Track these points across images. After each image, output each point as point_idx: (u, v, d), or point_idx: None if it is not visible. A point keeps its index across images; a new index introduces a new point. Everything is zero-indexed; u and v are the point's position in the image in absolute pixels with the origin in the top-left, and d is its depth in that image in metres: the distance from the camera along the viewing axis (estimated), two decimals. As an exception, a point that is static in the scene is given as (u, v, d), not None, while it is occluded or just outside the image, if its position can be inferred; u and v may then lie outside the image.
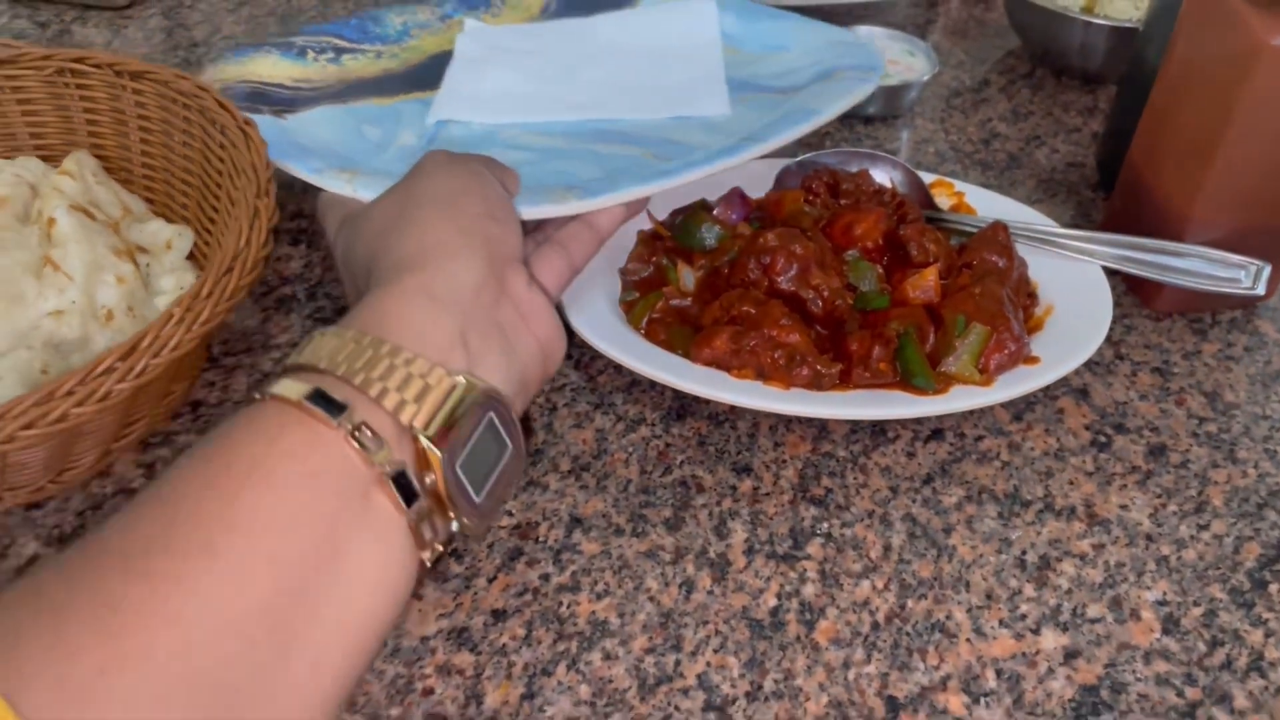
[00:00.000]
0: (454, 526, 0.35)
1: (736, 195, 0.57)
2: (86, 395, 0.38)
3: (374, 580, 0.32)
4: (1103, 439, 0.50)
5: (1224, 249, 0.54)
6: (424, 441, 0.33)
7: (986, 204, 0.59)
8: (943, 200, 0.60)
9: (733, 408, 0.51)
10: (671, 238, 0.56)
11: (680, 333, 0.51)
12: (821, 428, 0.50)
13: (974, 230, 0.55)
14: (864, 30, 0.72)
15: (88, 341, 0.47)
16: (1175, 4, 0.55)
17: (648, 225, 0.57)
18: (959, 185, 0.60)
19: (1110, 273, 0.54)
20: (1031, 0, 0.71)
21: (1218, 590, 0.44)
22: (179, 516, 0.29)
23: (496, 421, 0.36)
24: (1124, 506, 0.47)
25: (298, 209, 0.62)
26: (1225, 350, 0.55)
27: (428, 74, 0.63)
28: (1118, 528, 0.47)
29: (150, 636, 0.27)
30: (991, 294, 0.50)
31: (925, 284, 0.51)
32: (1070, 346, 0.50)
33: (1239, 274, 0.53)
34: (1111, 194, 0.61)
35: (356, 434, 0.32)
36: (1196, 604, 0.44)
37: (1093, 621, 0.43)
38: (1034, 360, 0.49)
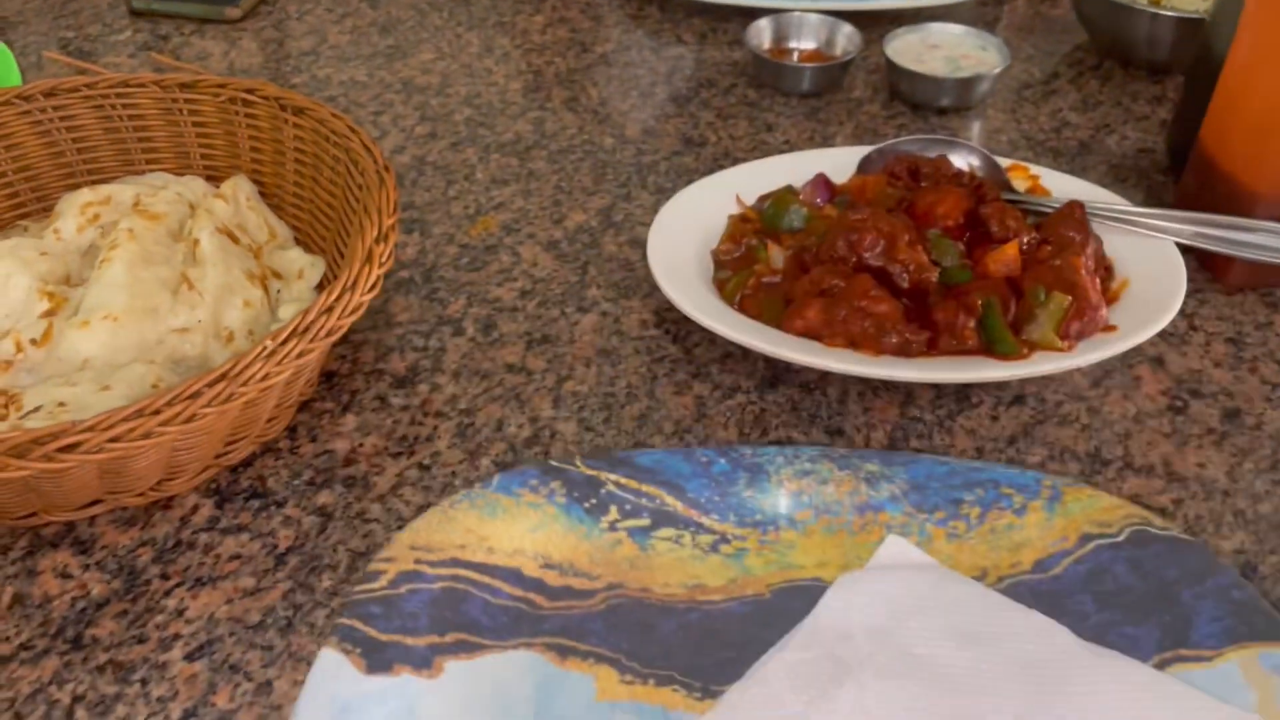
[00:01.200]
0: None
1: (822, 180, 0.61)
2: (173, 416, 0.40)
3: None
4: (1179, 403, 0.53)
5: (1294, 224, 0.56)
6: None
7: (1062, 186, 0.61)
8: (1019, 183, 0.62)
9: (822, 376, 0.55)
10: (760, 220, 0.60)
11: (771, 306, 0.55)
12: (907, 394, 0.54)
13: (1049, 210, 0.58)
14: (936, 27, 0.76)
15: (207, 360, 0.51)
16: (1243, -8, 0.58)
17: (737, 209, 0.61)
18: (1034, 169, 0.63)
19: (1183, 250, 0.56)
20: (1099, -6, 0.74)
21: (1294, 540, 0.47)
22: None
23: None
24: (1201, 465, 0.50)
25: (409, 200, 0.67)
26: (1297, 322, 0.58)
27: (745, 637, 0.39)
28: (1195, 484, 0.49)
29: None
30: (1071, 265, 0.53)
31: (1007, 257, 0.54)
32: (1146, 316, 0.52)
33: None
34: (1182, 175, 0.63)
35: None
36: (1273, 552, 0.46)
37: (1173, 568, 0.46)
38: (1112, 329, 0.52)
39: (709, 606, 0.39)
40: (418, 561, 0.40)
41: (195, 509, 0.48)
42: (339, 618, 0.38)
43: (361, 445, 0.51)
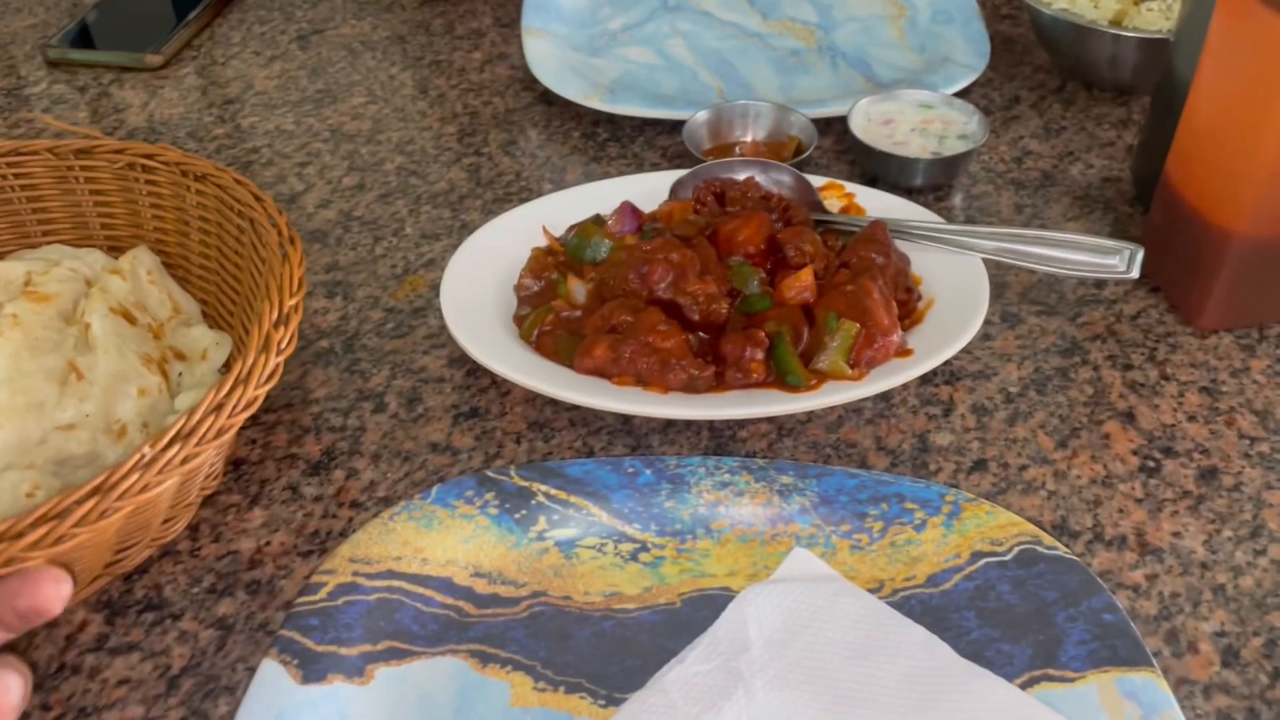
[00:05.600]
0: None
1: (628, 209, 0.59)
2: (39, 539, 0.36)
3: None
4: (1151, 464, 0.49)
5: (1272, 266, 0.53)
6: None
7: (876, 204, 0.60)
8: (833, 203, 0.60)
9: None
10: (564, 252, 0.57)
11: (568, 344, 0.52)
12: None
13: (860, 229, 0.56)
14: (889, 95, 0.69)
15: (96, 457, 0.46)
16: (1206, 15, 0.54)
17: (544, 242, 0.58)
18: (849, 187, 0.61)
19: (1154, 290, 0.53)
20: (1058, 16, 0.70)
21: (1278, 619, 0.43)
22: None
23: None
24: (1176, 534, 0.46)
25: (332, 260, 0.63)
26: (1275, 366, 0.54)
27: (653, 646, 0.40)
28: (1171, 556, 0.45)
29: None
30: (863, 289, 0.51)
31: (801, 284, 0.52)
32: (945, 338, 0.51)
33: (1114, 259, 0.54)
34: (1149, 211, 0.59)
35: None
36: (1256, 634, 0.42)
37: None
38: (908, 353, 0.50)
39: (623, 615, 0.41)
40: (355, 574, 0.41)
41: (83, 626, 0.44)
42: (280, 629, 0.40)
43: (269, 544, 0.47)
